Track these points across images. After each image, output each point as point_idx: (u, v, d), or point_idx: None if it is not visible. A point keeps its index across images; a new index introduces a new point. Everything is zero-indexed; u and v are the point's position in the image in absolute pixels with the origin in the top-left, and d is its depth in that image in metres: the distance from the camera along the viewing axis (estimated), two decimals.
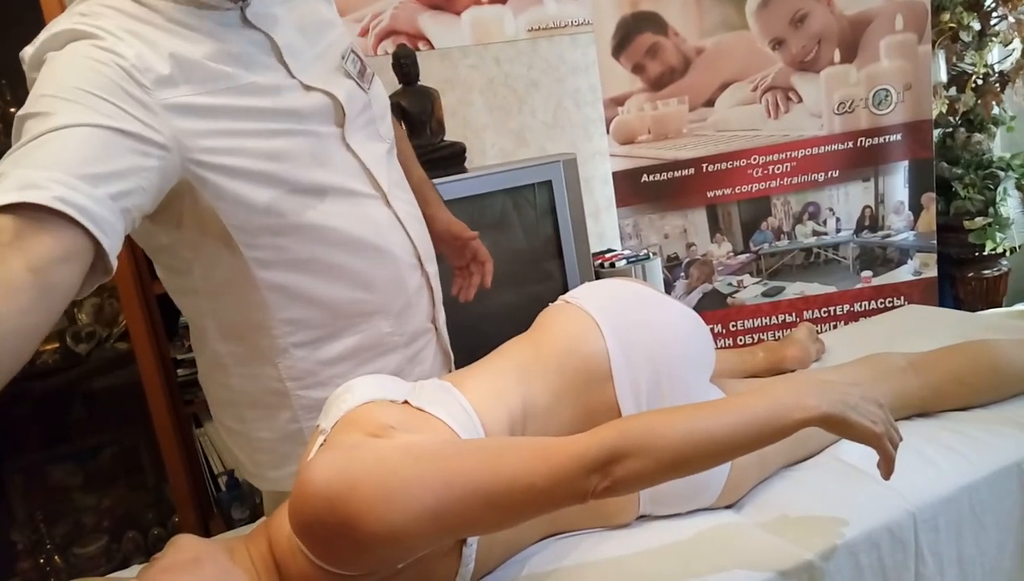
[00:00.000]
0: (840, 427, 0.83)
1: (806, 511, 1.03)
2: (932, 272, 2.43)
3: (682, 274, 2.47)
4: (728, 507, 1.05)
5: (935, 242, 2.41)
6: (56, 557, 1.88)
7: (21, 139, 0.80)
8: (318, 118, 1.01)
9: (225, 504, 1.90)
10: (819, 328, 2.44)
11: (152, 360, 1.78)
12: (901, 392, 1.17)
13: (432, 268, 1.16)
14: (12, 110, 1.75)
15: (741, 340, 2.48)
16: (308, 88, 1.01)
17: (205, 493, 1.97)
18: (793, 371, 1.40)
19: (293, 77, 1.00)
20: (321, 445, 0.87)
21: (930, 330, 1.52)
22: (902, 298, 2.43)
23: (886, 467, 0.85)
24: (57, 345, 1.78)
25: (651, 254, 2.33)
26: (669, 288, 2.43)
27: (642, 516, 1.04)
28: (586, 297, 1.09)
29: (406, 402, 0.94)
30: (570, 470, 0.79)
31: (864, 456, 1.00)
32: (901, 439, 0.86)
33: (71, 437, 2.01)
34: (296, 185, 0.99)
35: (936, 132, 2.53)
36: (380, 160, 1.09)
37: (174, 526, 1.96)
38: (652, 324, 1.05)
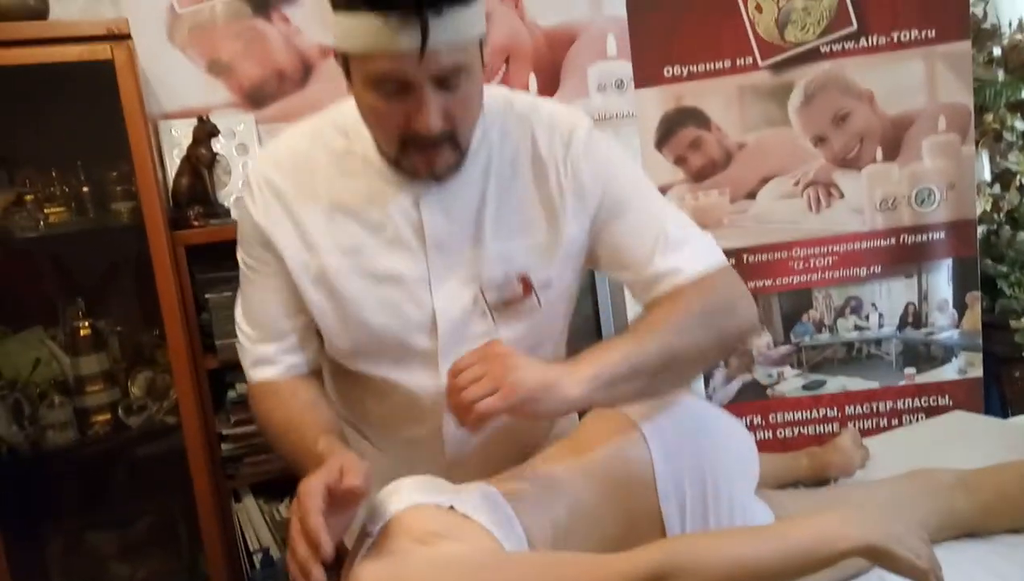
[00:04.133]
0: (884, 559, 0.82)
1: None
2: (977, 371, 2.39)
3: (721, 363, 2.46)
4: None
5: (980, 341, 2.37)
6: None
7: None
8: (416, 329, 1.03)
9: None
10: (861, 424, 2.41)
11: (198, 433, 1.81)
12: (950, 511, 1.15)
13: (462, 475, 1.08)
14: (85, 189, 1.84)
15: (781, 433, 2.45)
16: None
17: (239, 569, 1.98)
18: (837, 479, 1.38)
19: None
20: (368, 548, 0.89)
21: (977, 440, 1.50)
22: (946, 397, 2.39)
23: None
24: (109, 416, 1.83)
25: None
26: (708, 377, 2.43)
27: None
28: (629, 404, 1.10)
29: (451, 507, 0.95)
30: None
31: None
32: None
33: (112, 504, 2.04)
34: (368, 372, 1.09)
35: (980, 229, 2.52)
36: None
37: None
38: (697, 433, 1.05)
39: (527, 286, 1.03)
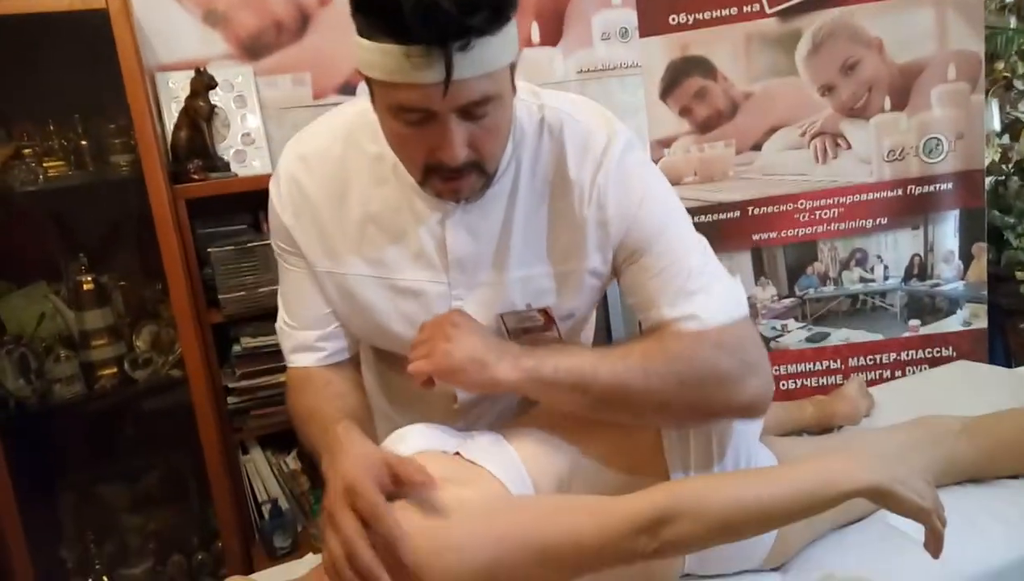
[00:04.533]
0: (888, 500, 0.83)
1: (853, 576, 1.02)
2: (982, 323, 2.38)
3: None
4: (774, 569, 1.05)
5: (986, 293, 2.37)
6: (105, 578, 1.92)
7: None
8: None
9: (268, 532, 1.93)
10: (866, 376, 2.41)
11: (204, 387, 1.83)
12: (953, 458, 1.16)
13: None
14: (83, 143, 1.82)
15: (784, 385, 2.45)
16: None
17: (248, 520, 2.01)
18: (842, 427, 1.39)
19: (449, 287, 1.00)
20: None
21: (982, 389, 1.51)
22: (951, 348, 2.39)
23: (935, 545, 0.85)
24: (115, 370, 1.84)
25: None
26: None
27: (687, 575, 1.04)
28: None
29: (458, 453, 0.96)
30: (620, 531, 0.80)
31: (913, 523, 0.99)
32: (945, 523, 0.86)
33: (121, 458, 2.06)
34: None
35: (988, 180, 2.49)
36: (480, 396, 1.09)
37: (218, 551, 1.99)
38: None
39: (548, 319, 1.01)
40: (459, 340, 0.91)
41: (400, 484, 0.83)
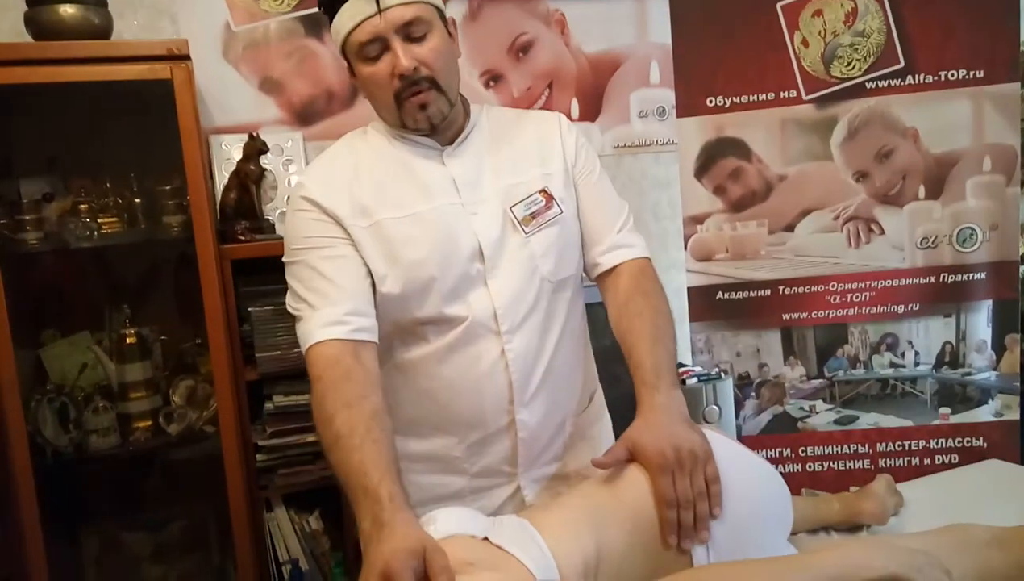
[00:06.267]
0: None
1: None
2: (1014, 415, 2.35)
3: (753, 394, 2.45)
4: None
5: (1019, 384, 2.34)
6: None
7: None
8: (467, 257, 1.16)
9: None
10: (892, 463, 2.38)
11: (235, 443, 1.85)
12: (985, 568, 1.14)
13: (527, 415, 1.19)
14: (137, 201, 1.89)
15: (810, 467, 2.43)
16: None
17: (268, 578, 2.01)
18: (869, 526, 1.37)
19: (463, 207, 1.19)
20: None
21: (1014, 491, 1.48)
22: (981, 439, 2.36)
23: None
24: (150, 423, 1.87)
25: (723, 374, 2.33)
26: (739, 407, 2.42)
27: None
28: None
29: (486, 538, 0.97)
30: None
31: None
32: None
33: (147, 508, 2.08)
34: (422, 317, 1.16)
35: (1022, 269, 2.49)
36: (515, 297, 1.17)
37: None
38: (734, 481, 1.06)
39: (548, 197, 1.22)
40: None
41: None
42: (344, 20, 1.13)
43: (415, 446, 1.22)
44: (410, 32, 1.12)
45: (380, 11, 1.10)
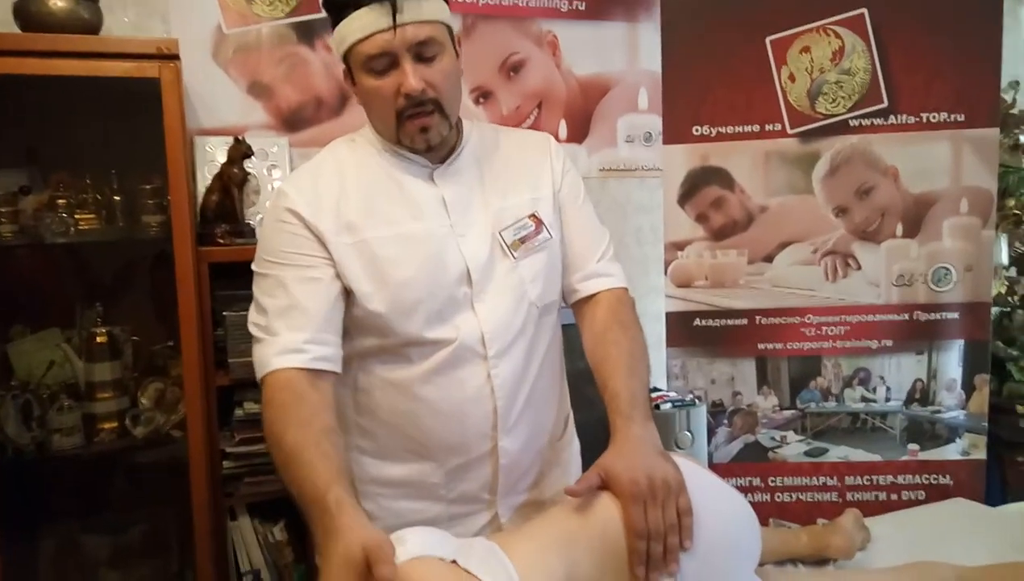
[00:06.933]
0: None
1: None
2: (981, 454, 2.38)
3: (725, 421, 2.47)
4: None
5: (986, 424, 2.37)
6: None
7: None
8: (454, 280, 1.13)
9: None
10: (859, 496, 2.40)
11: (202, 448, 1.81)
12: None
13: (509, 442, 1.17)
14: (116, 198, 1.87)
15: (779, 497, 2.44)
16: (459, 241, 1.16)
17: None
18: (836, 560, 1.38)
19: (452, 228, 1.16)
20: None
21: (979, 531, 1.50)
22: (948, 476, 2.39)
23: None
24: (116, 424, 1.83)
25: (696, 400, 2.34)
26: (711, 434, 2.43)
27: None
28: None
29: (454, 561, 0.96)
30: None
31: None
32: None
33: (107, 510, 2.04)
34: (407, 337, 1.13)
35: (994, 310, 2.53)
36: (504, 321, 1.15)
37: None
38: (706, 513, 1.06)
39: (538, 222, 1.20)
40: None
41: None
42: (353, 28, 1.08)
43: (391, 471, 1.19)
44: (422, 52, 1.09)
45: (395, 27, 1.06)
